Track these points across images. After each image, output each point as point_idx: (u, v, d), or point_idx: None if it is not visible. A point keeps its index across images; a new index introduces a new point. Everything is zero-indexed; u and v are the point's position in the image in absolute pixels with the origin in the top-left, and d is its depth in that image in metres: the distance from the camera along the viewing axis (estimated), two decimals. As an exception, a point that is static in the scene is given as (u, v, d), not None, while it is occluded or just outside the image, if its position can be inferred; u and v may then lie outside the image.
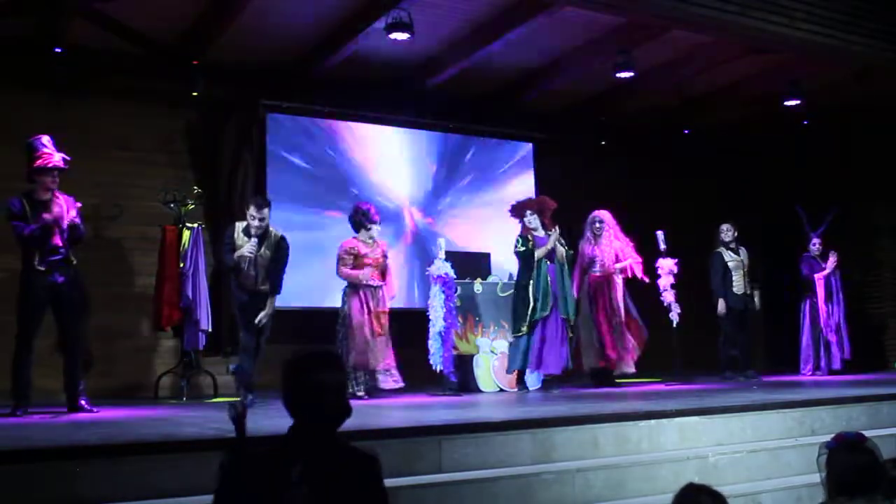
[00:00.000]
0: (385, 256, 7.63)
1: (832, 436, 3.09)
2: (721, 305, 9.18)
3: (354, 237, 7.56)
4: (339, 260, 7.47)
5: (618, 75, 9.00)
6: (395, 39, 7.77)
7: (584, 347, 8.49)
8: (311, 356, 2.54)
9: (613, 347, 8.44)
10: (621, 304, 8.58)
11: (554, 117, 10.75)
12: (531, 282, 7.84)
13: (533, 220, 8.04)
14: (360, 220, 7.58)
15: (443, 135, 10.23)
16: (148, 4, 7.63)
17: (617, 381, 8.59)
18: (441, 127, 10.17)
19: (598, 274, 8.60)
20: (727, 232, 9.34)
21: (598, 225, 8.70)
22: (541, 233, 8.04)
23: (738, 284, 9.24)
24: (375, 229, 7.60)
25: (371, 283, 7.45)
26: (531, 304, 7.80)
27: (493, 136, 10.52)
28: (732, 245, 9.34)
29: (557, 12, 7.84)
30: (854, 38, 8.39)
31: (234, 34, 8.11)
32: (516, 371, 8.01)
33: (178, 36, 8.32)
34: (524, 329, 7.81)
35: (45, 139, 6.26)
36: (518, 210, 8.19)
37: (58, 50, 8.08)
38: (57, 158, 6.19)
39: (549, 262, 7.91)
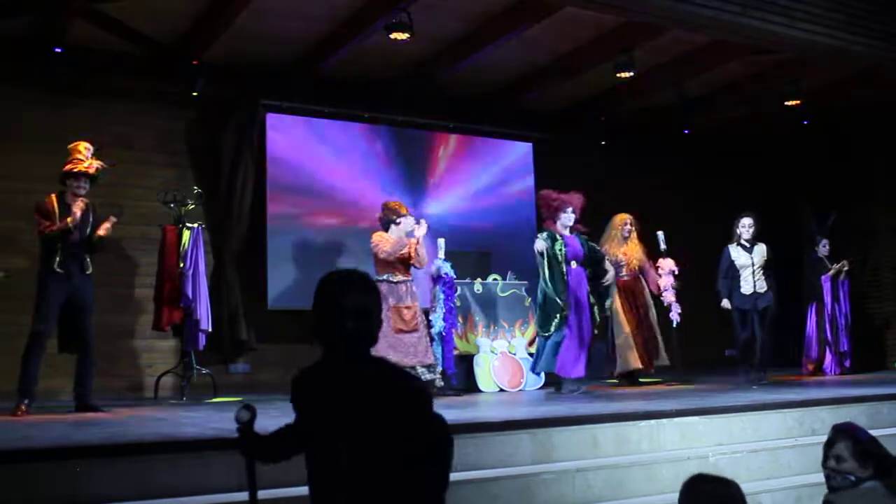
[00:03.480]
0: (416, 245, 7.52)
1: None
2: (724, 303, 8.50)
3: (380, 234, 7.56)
4: (377, 250, 7.41)
5: (618, 75, 9.00)
6: (395, 39, 7.77)
7: (617, 349, 8.51)
8: (331, 278, 2.50)
9: (645, 349, 8.48)
10: (651, 305, 8.67)
11: (554, 117, 10.75)
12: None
13: (568, 219, 7.71)
14: (388, 216, 7.59)
15: (443, 135, 10.23)
16: (148, 4, 7.63)
17: (641, 382, 8.60)
18: (441, 127, 10.17)
19: (626, 277, 8.62)
20: (741, 227, 8.54)
21: (628, 227, 8.72)
22: (567, 233, 7.76)
23: (747, 284, 8.40)
24: (406, 222, 7.55)
25: (409, 247, 7.40)
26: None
27: (493, 136, 10.51)
28: (747, 242, 8.51)
29: (557, 12, 7.84)
30: (854, 38, 8.38)
31: (235, 34, 8.11)
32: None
33: (178, 36, 8.32)
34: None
35: (83, 146, 6.45)
36: (559, 203, 7.75)
37: (58, 50, 8.08)
38: (86, 165, 6.32)
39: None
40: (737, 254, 8.52)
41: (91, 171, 6.39)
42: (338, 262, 9.15)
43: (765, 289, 8.44)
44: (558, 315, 7.44)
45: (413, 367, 7.17)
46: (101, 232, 6.38)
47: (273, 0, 7.61)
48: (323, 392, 2.44)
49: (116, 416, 5.88)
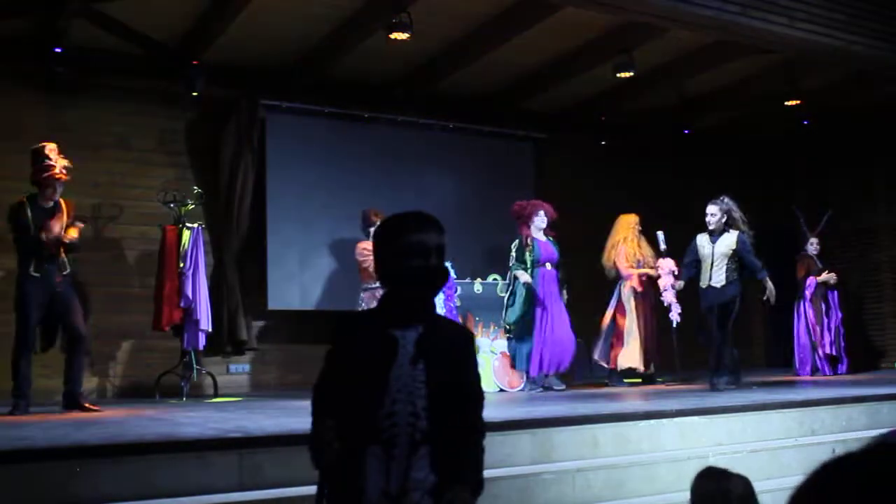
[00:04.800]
0: None
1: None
2: (678, 284, 8.14)
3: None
4: (363, 261, 7.57)
5: (618, 75, 9.00)
6: (395, 39, 7.77)
7: (625, 346, 8.55)
8: (411, 216, 2.45)
9: (648, 347, 8.52)
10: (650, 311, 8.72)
11: (554, 117, 10.75)
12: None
13: (541, 221, 8.07)
14: (370, 225, 7.67)
15: (443, 135, 10.22)
16: (148, 4, 7.63)
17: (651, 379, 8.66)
18: (441, 127, 10.16)
19: (643, 277, 8.65)
20: (708, 216, 7.81)
21: (639, 227, 8.75)
22: (541, 236, 8.07)
23: (704, 276, 7.70)
24: None
25: None
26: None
27: (493, 136, 10.50)
28: (715, 231, 7.76)
29: (557, 12, 7.84)
30: (854, 38, 8.38)
31: (235, 34, 8.10)
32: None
33: (178, 36, 8.32)
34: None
35: (50, 148, 6.40)
36: (531, 208, 8.15)
37: (58, 50, 8.08)
38: (58, 170, 6.31)
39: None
40: (702, 242, 7.81)
41: (64, 177, 6.36)
42: (338, 262, 9.16)
43: (722, 283, 7.56)
44: (520, 315, 7.92)
45: None
46: (67, 238, 6.32)
47: (273, 0, 7.61)
48: (388, 325, 2.38)
49: (116, 416, 5.87)
